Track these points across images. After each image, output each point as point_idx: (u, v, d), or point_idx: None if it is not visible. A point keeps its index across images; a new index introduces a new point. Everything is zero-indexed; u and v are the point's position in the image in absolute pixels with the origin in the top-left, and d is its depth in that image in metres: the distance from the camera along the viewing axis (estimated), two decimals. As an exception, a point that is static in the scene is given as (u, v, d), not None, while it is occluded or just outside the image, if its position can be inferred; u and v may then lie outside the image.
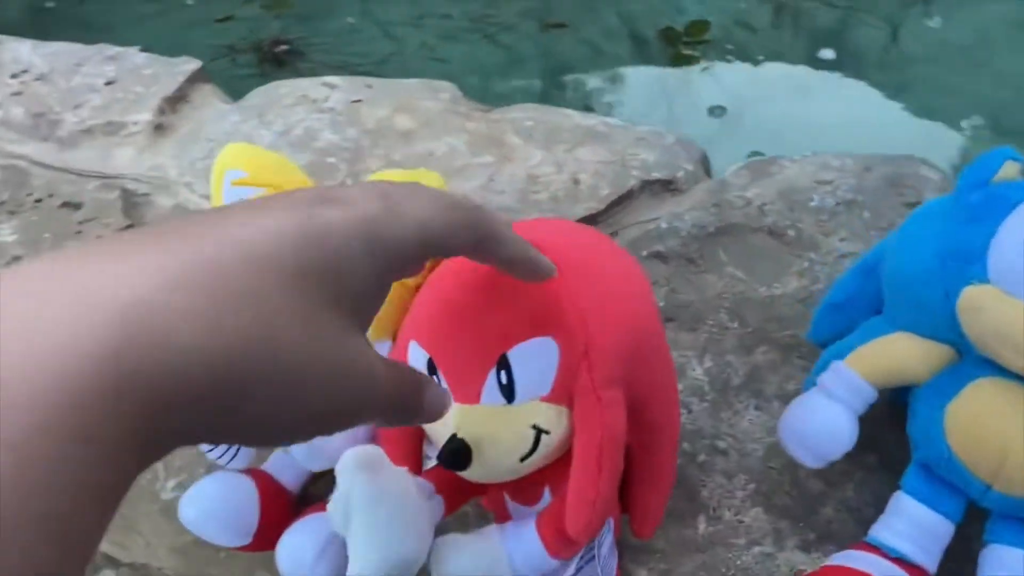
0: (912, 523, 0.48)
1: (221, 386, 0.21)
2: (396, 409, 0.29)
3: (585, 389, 0.41)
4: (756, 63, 1.48)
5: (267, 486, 0.55)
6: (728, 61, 1.48)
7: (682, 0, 1.62)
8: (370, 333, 0.51)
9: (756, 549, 0.54)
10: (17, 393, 0.17)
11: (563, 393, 0.42)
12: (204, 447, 0.52)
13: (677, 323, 0.67)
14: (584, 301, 0.41)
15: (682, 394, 0.62)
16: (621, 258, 0.47)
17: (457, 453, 0.41)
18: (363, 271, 0.26)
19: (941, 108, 1.35)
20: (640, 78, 1.51)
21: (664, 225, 0.74)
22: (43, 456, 0.17)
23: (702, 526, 0.55)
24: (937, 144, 1.29)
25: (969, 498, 0.48)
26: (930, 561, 0.47)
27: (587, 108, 1.42)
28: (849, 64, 1.45)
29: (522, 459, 0.42)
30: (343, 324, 0.25)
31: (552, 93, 1.50)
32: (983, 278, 0.46)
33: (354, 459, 0.42)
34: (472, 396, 0.41)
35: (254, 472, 0.55)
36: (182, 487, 0.57)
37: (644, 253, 0.72)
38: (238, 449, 0.53)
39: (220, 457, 0.53)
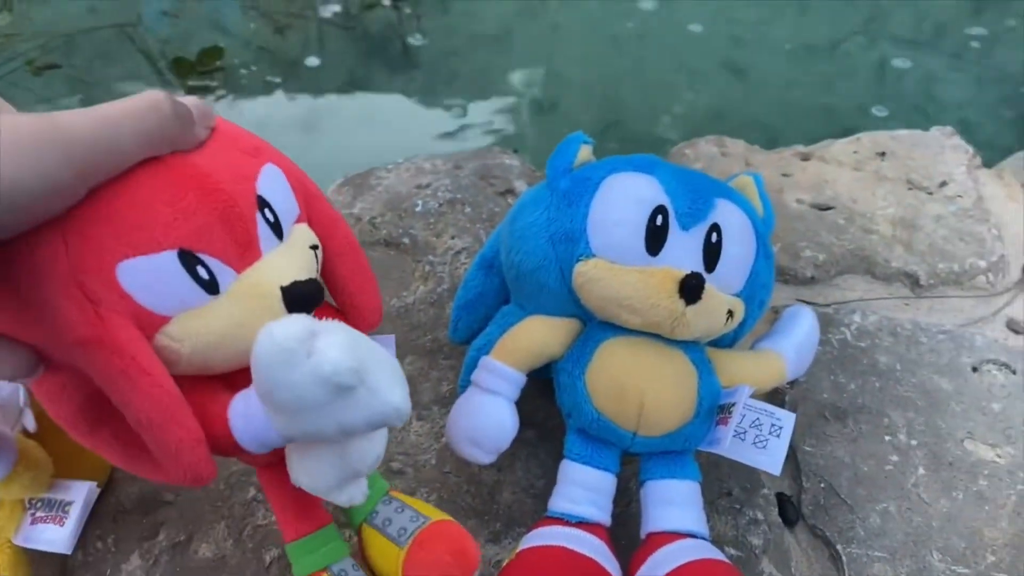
0: (582, 486, 0.52)
1: None
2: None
3: (315, 196, 0.44)
4: (269, 85, 1.46)
5: None
6: (243, 86, 1.44)
7: (191, 26, 1.54)
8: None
9: (454, 556, 0.55)
10: None
11: (303, 211, 0.43)
12: None
13: (320, 355, 0.65)
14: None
15: (344, 426, 0.60)
16: None
17: (313, 291, 0.39)
18: None
19: (477, 93, 1.47)
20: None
21: (281, 258, 0.71)
22: None
23: (398, 551, 0.55)
24: (485, 127, 1.40)
25: (621, 448, 0.53)
26: (604, 515, 0.52)
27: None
28: (361, 74, 1.51)
29: None
30: None
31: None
32: (589, 253, 0.51)
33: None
34: (254, 251, 0.39)
35: None
36: None
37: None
38: None
39: None
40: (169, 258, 0.36)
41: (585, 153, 0.57)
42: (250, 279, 0.38)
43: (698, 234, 0.52)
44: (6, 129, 0.29)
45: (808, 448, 0.63)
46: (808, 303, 0.75)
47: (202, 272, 0.37)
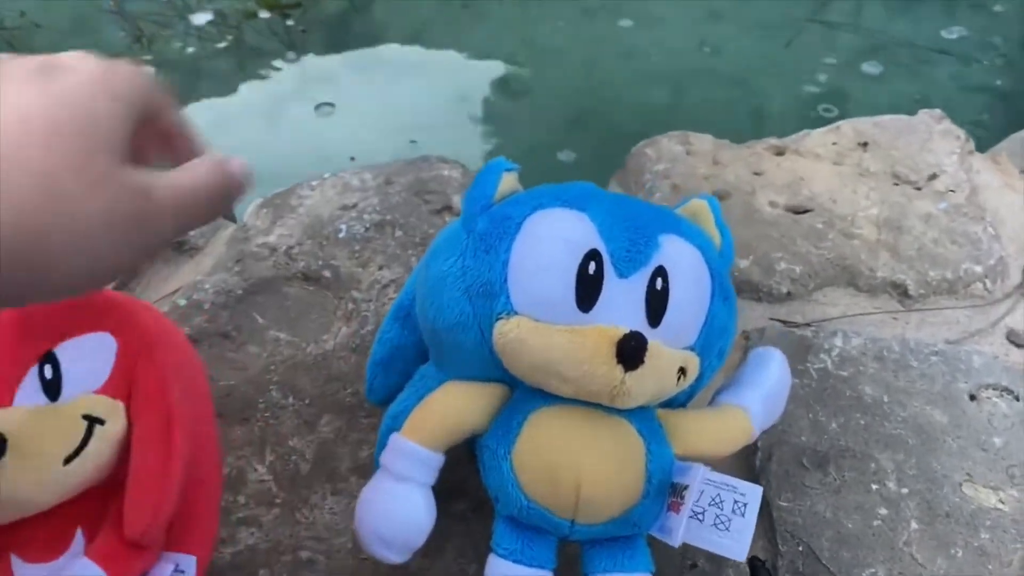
0: (513, 587, 0.44)
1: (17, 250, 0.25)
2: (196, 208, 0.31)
3: (148, 374, 0.41)
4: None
5: None
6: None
7: (52, 34, 1.42)
8: None
9: (370, 665, 0.47)
10: None
11: (121, 386, 0.41)
12: None
13: (226, 418, 0.57)
14: (143, 314, 0.43)
15: (247, 507, 0.52)
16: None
17: None
18: (111, 120, 0.28)
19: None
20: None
21: (182, 301, 0.62)
22: None
23: (305, 661, 0.47)
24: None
25: (558, 537, 0.45)
26: (539, 621, 0.44)
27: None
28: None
29: (68, 459, 0.39)
30: (109, 162, 0.28)
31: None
32: (510, 310, 0.43)
33: None
34: (3, 398, 0.38)
35: None
36: None
37: (166, 342, 0.60)
38: None
39: None
40: None
41: (509, 183, 0.48)
42: None
43: (639, 281, 0.44)
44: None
45: (784, 504, 0.55)
46: (785, 323, 0.67)
47: None
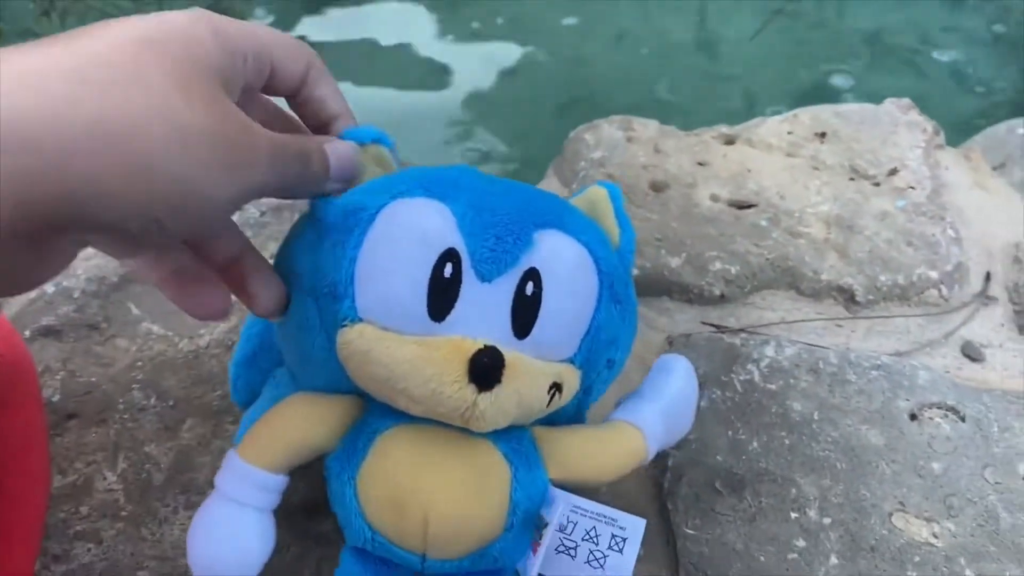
0: (352, 629, 0.39)
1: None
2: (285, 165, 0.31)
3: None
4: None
5: None
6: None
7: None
8: None
9: None
10: None
11: None
12: None
13: (81, 419, 0.51)
14: None
15: (89, 520, 0.47)
16: None
17: None
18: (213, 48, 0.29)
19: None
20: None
21: (50, 288, 0.57)
22: None
23: None
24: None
25: (411, 572, 0.40)
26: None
27: None
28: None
29: None
30: (213, 86, 0.28)
31: None
32: (354, 316, 0.38)
33: None
34: None
35: None
36: None
37: (28, 333, 0.55)
38: None
39: None
40: None
41: (374, 158, 0.42)
42: None
43: (505, 286, 0.38)
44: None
45: (691, 531, 0.50)
46: (717, 327, 0.61)
47: None
